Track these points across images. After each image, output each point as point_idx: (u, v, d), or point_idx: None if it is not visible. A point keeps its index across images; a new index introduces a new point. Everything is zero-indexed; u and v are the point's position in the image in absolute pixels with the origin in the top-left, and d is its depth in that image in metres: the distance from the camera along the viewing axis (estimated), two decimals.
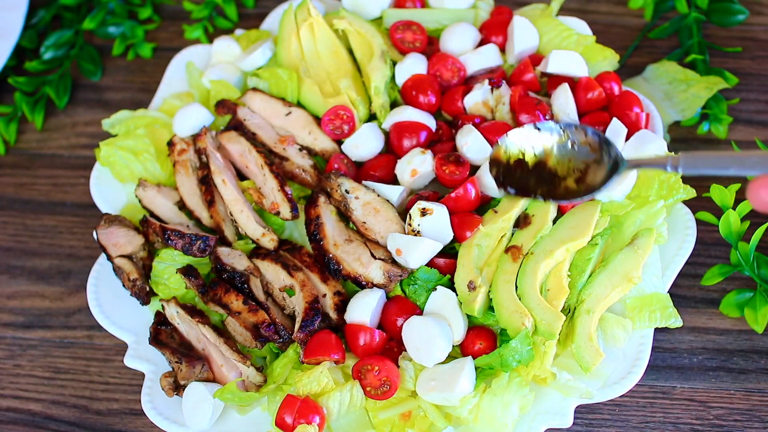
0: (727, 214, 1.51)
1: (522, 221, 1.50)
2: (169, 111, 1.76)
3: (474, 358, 1.41)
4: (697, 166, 1.31)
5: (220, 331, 1.48)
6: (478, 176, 1.55)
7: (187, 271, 1.52)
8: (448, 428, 1.38)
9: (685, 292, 1.56)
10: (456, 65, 1.68)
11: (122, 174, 1.67)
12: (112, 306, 1.57)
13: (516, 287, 1.43)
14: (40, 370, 1.60)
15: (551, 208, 1.50)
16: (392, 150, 1.64)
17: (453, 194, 1.52)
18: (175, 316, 1.50)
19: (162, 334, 1.51)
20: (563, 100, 1.60)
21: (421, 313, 1.45)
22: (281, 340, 1.46)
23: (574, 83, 1.63)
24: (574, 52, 1.65)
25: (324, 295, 1.49)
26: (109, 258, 1.57)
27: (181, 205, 1.63)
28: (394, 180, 1.61)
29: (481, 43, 1.73)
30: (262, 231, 1.55)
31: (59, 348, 1.63)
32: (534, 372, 1.38)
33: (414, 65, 1.68)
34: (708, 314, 1.54)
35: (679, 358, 1.51)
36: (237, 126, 1.68)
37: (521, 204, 1.50)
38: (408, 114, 1.63)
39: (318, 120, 1.68)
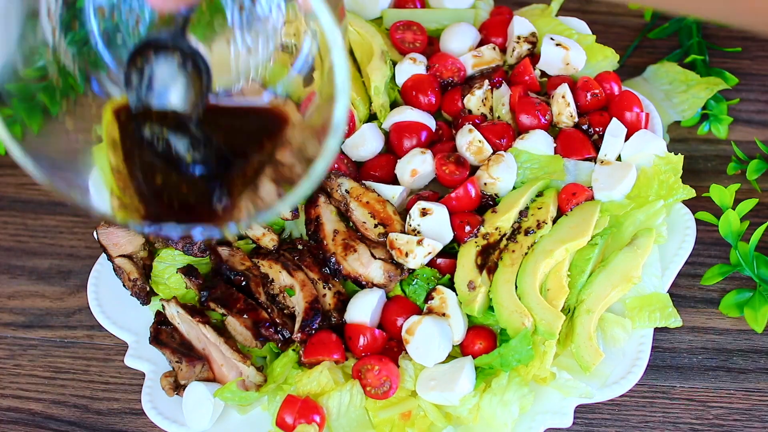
0: (727, 213, 1.51)
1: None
2: None
3: (474, 357, 1.41)
4: None
5: (221, 330, 1.48)
6: (477, 176, 1.55)
7: (188, 271, 1.52)
8: (448, 428, 1.38)
9: (684, 291, 1.56)
10: (456, 65, 1.68)
11: None
12: (112, 306, 1.57)
13: (516, 287, 1.44)
14: (40, 369, 1.61)
15: (551, 207, 1.50)
16: (392, 150, 1.64)
17: (453, 194, 1.52)
18: (176, 315, 1.50)
19: (162, 333, 1.51)
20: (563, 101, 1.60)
21: (420, 313, 1.45)
22: (281, 339, 1.46)
23: (574, 83, 1.63)
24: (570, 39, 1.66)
25: (324, 295, 1.49)
26: (110, 258, 1.57)
27: None
28: (394, 180, 1.61)
29: (481, 43, 1.73)
30: (262, 231, 1.55)
31: (60, 348, 1.63)
32: (534, 372, 1.38)
33: (414, 65, 1.68)
34: (707, 314, 1.54)
35: (679, 358, 1.51)
36: None
37: (522, 203, 1.51)
38: (408, 114, 1.63)
39: None
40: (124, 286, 1.55)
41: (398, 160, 1.60)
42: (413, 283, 1.47)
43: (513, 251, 1.47)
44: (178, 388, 1.46)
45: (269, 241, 1.55)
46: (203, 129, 1.14)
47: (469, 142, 1.57)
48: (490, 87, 1.65)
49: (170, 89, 1.11)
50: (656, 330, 1.46)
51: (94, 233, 1.60)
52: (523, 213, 1.52)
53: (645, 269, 1.46)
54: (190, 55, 1.10)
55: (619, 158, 1.57)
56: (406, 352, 1.42)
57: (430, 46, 1.75)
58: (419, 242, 1.46)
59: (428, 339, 1.39)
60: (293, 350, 1.45)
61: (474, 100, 1.64)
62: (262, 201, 1.13)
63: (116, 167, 1.19)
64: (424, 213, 1.49)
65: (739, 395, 1.46)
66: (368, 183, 1.57)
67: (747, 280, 1.55)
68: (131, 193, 1.17)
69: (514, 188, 1.55)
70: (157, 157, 1.16)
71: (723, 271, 1.52)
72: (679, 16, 1.83)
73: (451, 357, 1.42)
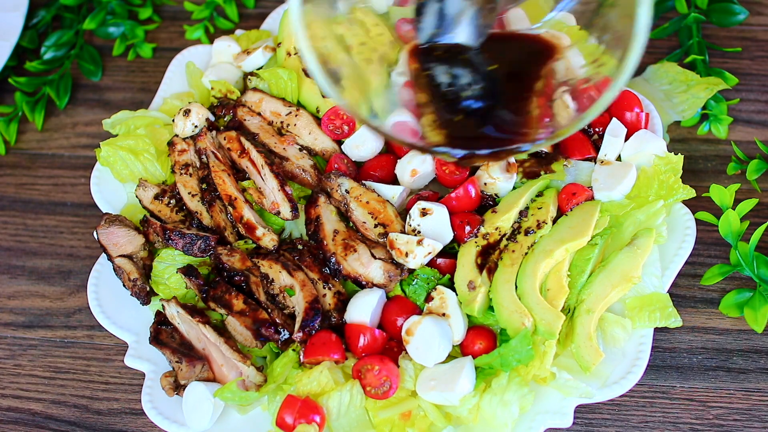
0: (727, 213, 1.51)
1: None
2: (169, 111, 1.76)
3: (474, 357, 1.41)
4: None
5: (221, 330, 1.48)
6: (477, 176, 1.55)
7: (188, 271, 1.52)
8: (447, 428, 1.38)
9: (684, 291, 1.56)
10: None
11: (122, 174, 1.67)
12: (112, 306, 1.57)
13: (516, 287, 1.44)
14: (40, 369, 1.61)
15: (551, 207, 1.50)
16: (392, 150, 1.64)
17: (453, 194, 1.52)
18: (176, 315, 1.50)
19: (162, 333, 1.51)
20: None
21: (420, 313, 1.45)
22: (281, 339, 1.46)
23: None
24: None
25: (324, 295, 1.49)
26: (110, 258, 1.57)
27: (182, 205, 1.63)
28: (394, 180, 1.61)
29: None
30: (262, 231, 1.55)
31: (60, 348, 1.63)
32: (534, 372, 1.38)
33: None
34: (707, 314, 1.54)
35: (679, 358, 1.51)
36: (237, 126, 1.69)
37: (522, 203, 1.51)
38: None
39: (318, 120, 1.68)
40: (124, 286, 1.55)
41: (398, 160, 1.60)
42: (413, 283, 1.47)
43: (513, 251, 1.48)
44: (178, 388, 1.46)
45: (269, 241, 1.55)
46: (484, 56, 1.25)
47: None
48: None
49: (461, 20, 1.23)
50: (656, 330, 1.47)
51: (94, 233, 1.60)
52: (523, 213, 1.52)
53: (645, 269, 1.46)
54: None
55: (619, 158, 1.57)
56: (406, 352, 1.42)
57: None
58: (419, 242, 1.46)
59: (428, 339, 1.39)
60: (293, 350, 1.45)
61: None
62: (560, 118, 1.26)
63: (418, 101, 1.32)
64: (424, 213, 1.49)
65: (739, 395, 1.46)
66: (368, 183, 1.57)
67: (747, 280, 1.55)
68: (432, 121, 1.31)
69: (514, 188, 1.55)
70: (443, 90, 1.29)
71: (723, 271, 1.52)
72: (679, 16, 1.83)
73: (451, 357, 1.42)
